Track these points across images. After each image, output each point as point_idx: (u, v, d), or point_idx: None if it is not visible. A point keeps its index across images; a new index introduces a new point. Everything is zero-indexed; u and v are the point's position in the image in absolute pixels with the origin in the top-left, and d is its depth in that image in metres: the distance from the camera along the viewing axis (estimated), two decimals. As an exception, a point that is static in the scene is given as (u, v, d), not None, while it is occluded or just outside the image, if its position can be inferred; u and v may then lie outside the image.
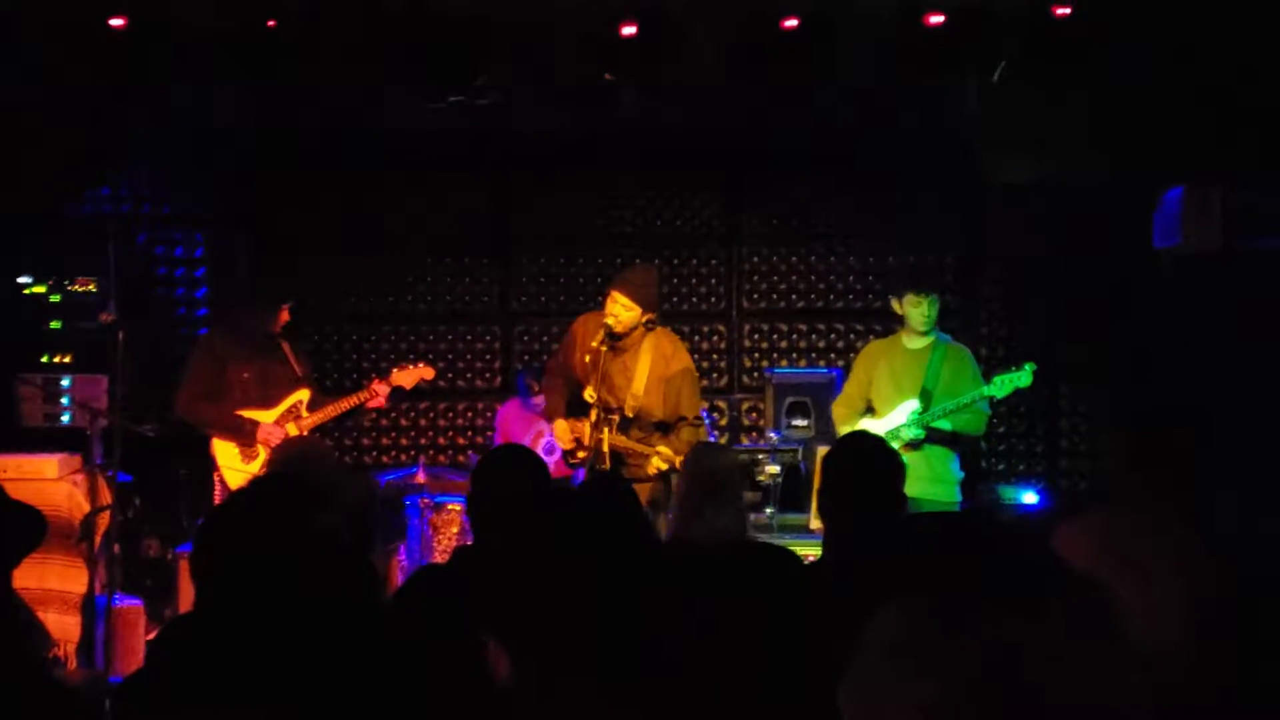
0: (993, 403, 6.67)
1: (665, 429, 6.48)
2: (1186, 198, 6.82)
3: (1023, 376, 6.41)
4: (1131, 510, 2.06)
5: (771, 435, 7.75)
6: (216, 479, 6.94)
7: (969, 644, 1.22)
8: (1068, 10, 6.30)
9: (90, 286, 7.41)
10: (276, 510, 3.91)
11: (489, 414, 8.65)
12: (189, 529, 7.37)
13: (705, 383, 8.59)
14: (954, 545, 2.00)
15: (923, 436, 6.50)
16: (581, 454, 6.41)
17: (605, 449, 6.34)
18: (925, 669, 1.22)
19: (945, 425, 6.52)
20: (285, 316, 6.96)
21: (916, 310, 6.65)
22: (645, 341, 6.48)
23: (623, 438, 6.39)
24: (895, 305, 6.79)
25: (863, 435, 4.69)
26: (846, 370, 7.54)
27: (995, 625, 1.23)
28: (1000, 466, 8.65)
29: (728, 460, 4.94)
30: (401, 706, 2.95)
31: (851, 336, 8.79)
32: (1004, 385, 6.44)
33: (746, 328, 8.95)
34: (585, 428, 6.38)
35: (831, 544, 3.92)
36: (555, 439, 6.55)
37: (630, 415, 6.43)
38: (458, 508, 7.01)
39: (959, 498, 6.72)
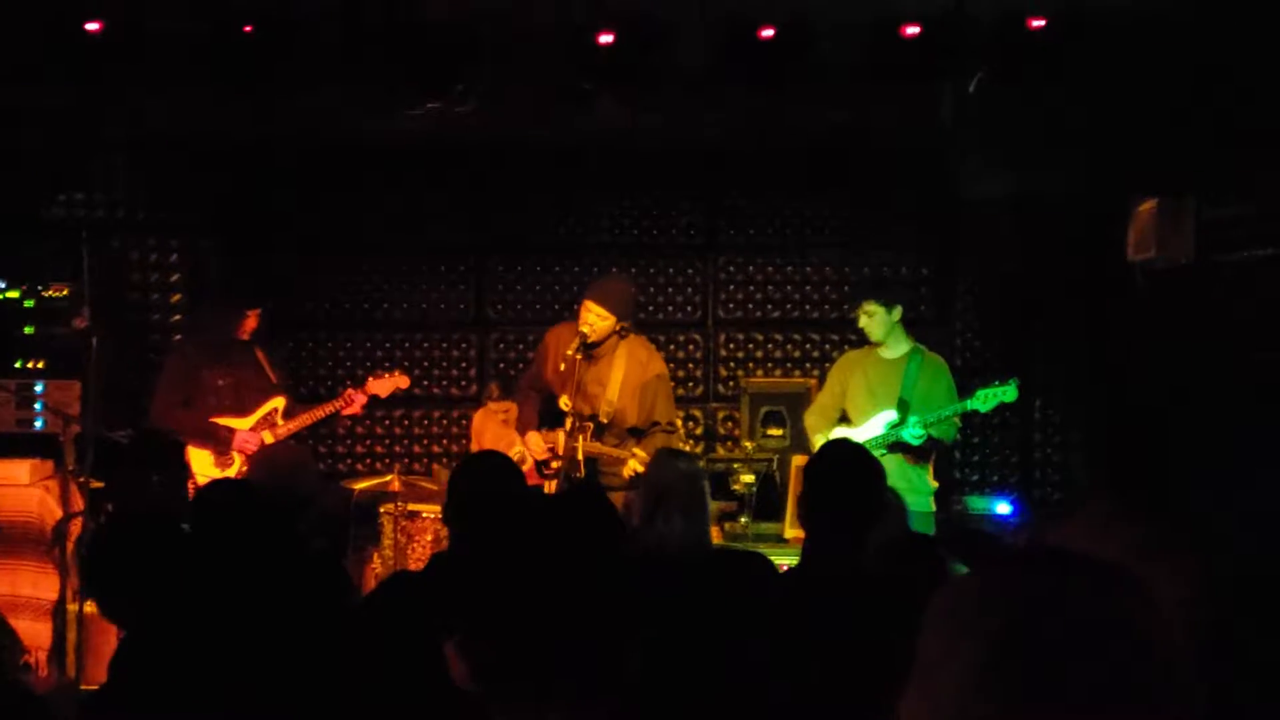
0: (972, 415, 6.70)
1: (640, 435, 6.48)
2: (1159, 210, 6.86)
3: (1008, 392, 6.42)
4: (1121, 517, 2.07)
5: (747, 444, 7.76)
6: (192, 487, 6.91)
7: (1007, 602, 1.22)
8: (1043, 22, 6.33)
9: (64, 292, 7.35)
10: (255, 517, 3.91)
11: (464, 422, 8.63)
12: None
13: (681, 392, 8.60)
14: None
15: (925, 438, 6.50)
16: (556, 464, 6.40)
17: (580, 457, 6.33)
18: (967, 630, 1.22)
19: (934, 432, 6.55)
20: (252, 323, 6.94)
21: (859, 324, 6.72)
22: (620, 349, 6.48)
23: (597, 444, 6.40)
24: None
25: (846, 443, 4.70)
26: (822, 380, 7.56)
27: (1032, 583, 1.23)
28: (974, 477, 8.67)
29: (675, 469, 4.89)
30: (370, 709, 2.95)
31: (827, 347, 8.81)
32: (988, 400, 6.45)
33: (722, 337, 8.96)
34: (559, 437, 6.37)
35: (812, 551, 3.92)
36: (529, 450, 6.52)
37: (605, 421, 6.43)
38: (431, 516, 6.99)
39: (933, 508, 6.74)
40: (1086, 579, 1.24)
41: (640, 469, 6.16)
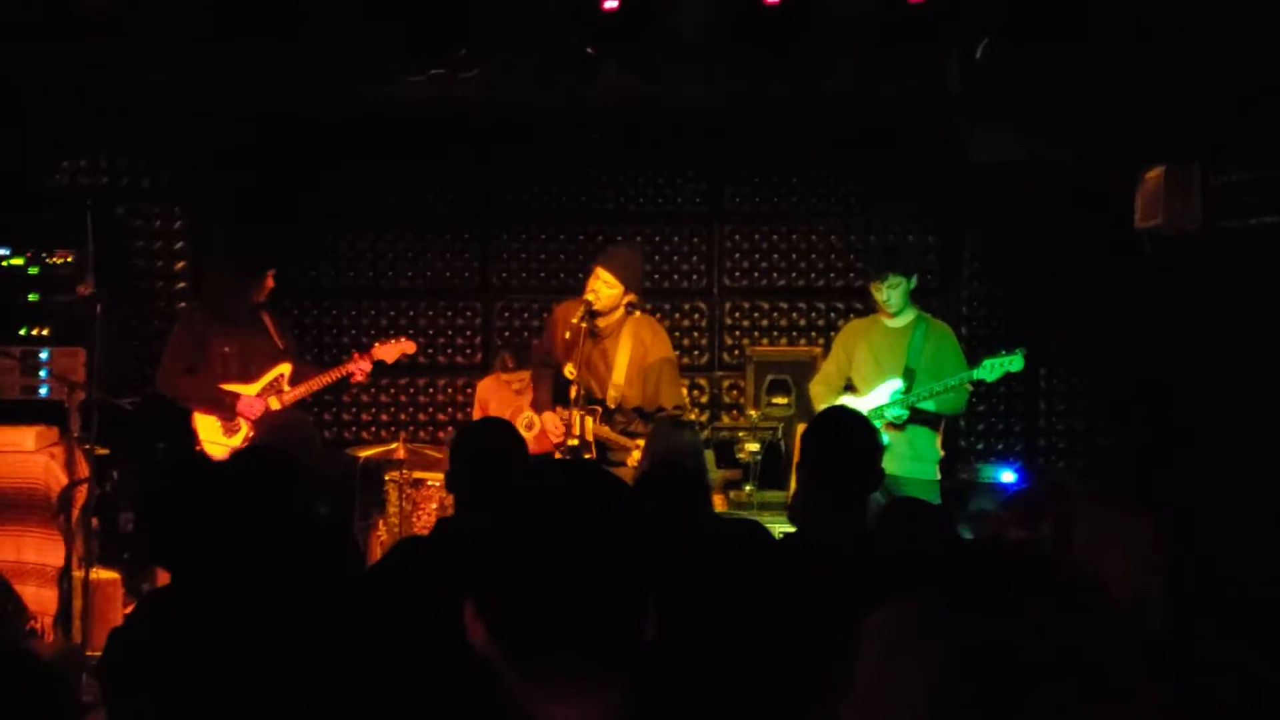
0: (977, 384, 6.68)
1: (646, 416, 6.47)
2: (1167, 177, 6.82)
3: (1014, 361, 6.41)
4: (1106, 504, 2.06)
5: (752, 413, 7.76)
6: (198, 453, 6.92)
7: (962, 632, 1.20)
8: (1051, -13, 6.29)
9: (68, 259, 7.35)
10: (261, 483, 3.91)
11: (469, 390, 8.63)
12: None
13: (686, 360, 8.59)
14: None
15: (906, 417, 6.51)
16: (573, 441, 6.38)
17: (590, 438, 6.33)
18: (920, 663, 1.20)
19: (929, 405, 6.53)
20: (270, 284, 6.95)
21: (878, 295, 6.69)
22: (625, 328, 6.46)
23: (605, 428, 6.39)
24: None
25: (842, 410, 4.68)
26: (827, 349, 7.55)
27: (983, 613, 1.22)
28: (980, 446, 8.67)
29: (679, 439, 4.87)
30: (378, 672, 2.95)
31: (832, 315, 8.79)
32: (995, 369, 6.43)
33: (728, 305, 8.94)
34: (572, 414, 6.35)
35: (808, 519, 3.91)
36: (547, 433, 6.51)
37: (612, 406, 6.42)
38: (437, 483, 7.00)
39: (938, 476, 6.74)
40: (1034, 606, 1.22)
41: None
